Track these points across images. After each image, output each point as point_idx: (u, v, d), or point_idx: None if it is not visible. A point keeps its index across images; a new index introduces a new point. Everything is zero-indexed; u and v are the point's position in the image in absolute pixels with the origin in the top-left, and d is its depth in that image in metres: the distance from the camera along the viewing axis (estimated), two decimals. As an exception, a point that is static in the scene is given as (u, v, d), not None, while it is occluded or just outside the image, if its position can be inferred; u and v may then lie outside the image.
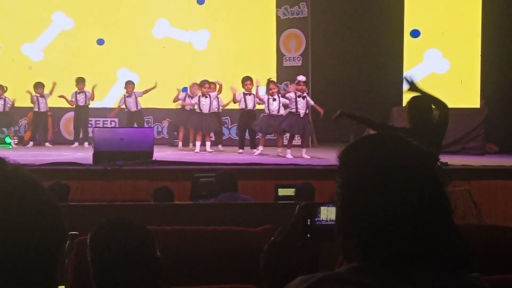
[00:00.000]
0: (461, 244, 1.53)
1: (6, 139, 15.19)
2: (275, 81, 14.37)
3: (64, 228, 1.51)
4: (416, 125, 7.12)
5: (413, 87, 7.17)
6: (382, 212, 1.49)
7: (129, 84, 15.34)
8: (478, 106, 14.07)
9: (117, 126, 15.88)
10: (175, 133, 15.83)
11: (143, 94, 15.46)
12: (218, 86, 14.44)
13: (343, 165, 1.58)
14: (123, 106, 15.27)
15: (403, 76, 7.44)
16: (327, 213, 1.91)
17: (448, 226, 1.52)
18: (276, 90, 13.42)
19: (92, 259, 2.63)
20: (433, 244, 1.50)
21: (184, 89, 15.09)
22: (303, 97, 12.87)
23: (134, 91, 15.32)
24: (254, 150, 13.37)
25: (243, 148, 13.77)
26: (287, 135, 13.31)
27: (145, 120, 15.95)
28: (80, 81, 15.40)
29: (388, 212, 1.48)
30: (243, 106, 13.91)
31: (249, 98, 13.86)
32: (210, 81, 14.44)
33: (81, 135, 15.45)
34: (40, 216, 1.44)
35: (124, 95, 15.28)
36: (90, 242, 2.66)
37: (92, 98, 15.55)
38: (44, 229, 1.44)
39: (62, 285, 3.25)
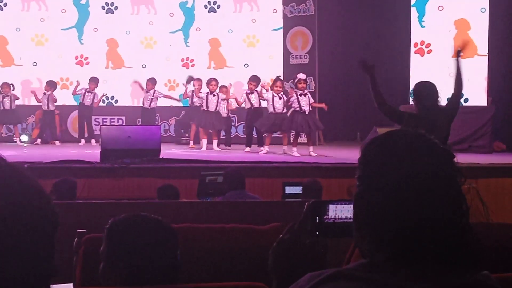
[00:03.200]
0: (472, 243, 1.53)
1: (21, 137, 15.16)
2: (283, 80, 14.38)
3: (54, 212, 1.51)
4: (421, 110, 7.15)
5: (458, 54, 7.25)
6: (396, 207, 1.50)
7: (148, 81, 15.39)
8: (485, 104, 14.04)
9: (124, 124, 15.93)
10: (182, 131, 15.85)
11: (163, 96, 15.53)
12: (229, 89, 14.46)
13: (363, 157, 1.59)
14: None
15: (462, 41, 7.48)
16: (335, 211, 1.91)
17: (462, 224, 1.53)
18: (281, 89, 13.43)
19: (106, 253, 2.61)
20: (445, 242, 1.50)
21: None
22: (305, 95, 12.87)
23: (155, 89, 15.37)
24: (261, 148, 13.36)
25: (250, 146, 13.77)
26: (293, 132, 13.30)
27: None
28: (93, 80, 15.45)
29: (402, 208, 1.49)
30: (248, 105, 13.91)
31: (253, 97, 13.85)
32: (221, 85, 14.51)
33: (86, 134, 15.48)
34: (25, 200, 1.45)
35: (145, 90, 15.35)
36: (108, 233, 2.64)
37: (96, 104, 15.59)
38: (32, 213, 1.45)
39: (70, 282, 3.25)
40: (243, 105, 14.18)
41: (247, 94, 13.95)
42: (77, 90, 15.46)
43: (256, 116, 13.76)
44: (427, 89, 7.20)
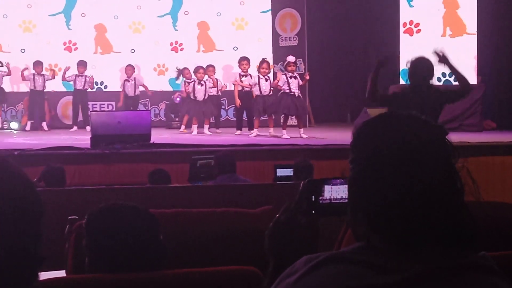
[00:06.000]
0: (468, 222, 1.53)
1: (11, 124, 15.23)
2: (269, 62, 14.33)
3: (38, 199, 1.50)
4: (412, 87, 7.08)
5: (443, 59, 7.14)
6: (390, 188, 1.49)
7: (128, 68, 15.31)
8: (475, 83, 14.05)
9: (114, 109, 15.86)
10: (172, 115, 15.80)
11: (142, 86, 15.43)
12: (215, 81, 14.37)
13: (356, 140, 1.59)
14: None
15: (433, 50, 7.31)
16: (331, 192, 1.91)
17: (457, 203, 1.53)
18: (268, 71, 13.40)
19: (88, 243, 2.61)
20: (442, 222, 1.50)
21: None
22: (294, 77, 12.85)
23: (135, 76, 15.29)
24: (251, 131, 13.35)
25: (241, 129, 13.76)
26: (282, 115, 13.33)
27: (142, 103, 15.96)
28: (81, 64, 15.34)
29: (397, 188, 1.49)
30: (239, 88, 13.87)
31: (245, 80, 13.82)
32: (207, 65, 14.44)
33: (81, 118, 15.32)
34: (8, 187, 1.44)
35: (124, 79, 15.26)
36: (88, 225, 2.64)
37: (91, 86, 15.51)
38: (16, 201, 1.43)
39: (63, 269, 3.25)
40: (233, 87, 14.10)
41: (241, 76, 13.90)
42: (66, 76, 15.38)
43: (247, 99, 13.72)
44: (420, 66, 7.08)
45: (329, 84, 16.59)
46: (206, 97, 13.90)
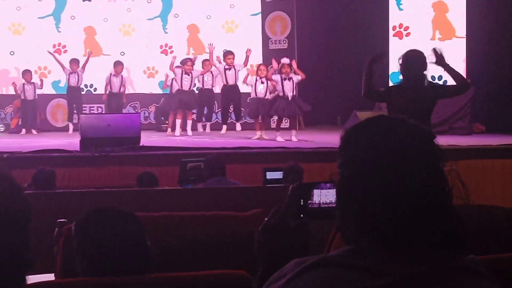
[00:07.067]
0: (458, 225, 1.53)
1: None
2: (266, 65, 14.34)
3: (26, 203, 1.49)
4: (405, 81, 7.02)
5: (440, 60, 7.08)
6: (379, 192, 1.49)
7: (119, 65, 15.23)
8: (464, 86, 14.08)
9: (103, 112, 15.80)
10: (162, 118, 15.77)
11: (123, 87, 15.38)
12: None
13: (344, 145, 1.59)
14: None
15: (432, 48, 7.23)
16: (320, 196, 1.91)
17: (445, 206, 1.53)
18: (265, 73, 13.38)
19: (77, 247, 2.62)
20: (430, 225, 1.50)
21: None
22: (289, 79, 12.83)
23: (122, 75, 15.26)
24: (254, 135, 13.29)
25: (226, 124, 13.80)
26: (274, 118, 13.34)
27: (132, 105, 15.93)
28: (74, 62, 15.27)
29: (385, 192, 1.49)
30: (224, 81, 13.91)
31: (230, 74, 13.84)
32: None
33: (76, 120, 15.15)
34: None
35: (111, 73, 15.16)
36: (76, 230, 2.64)
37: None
38: (3, 205, 1.43)
39: (52, 272, 3.24)
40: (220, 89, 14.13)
41: (225, 70, 13.91)
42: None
43: (233, 94, 13.83)
44: (412, 59, 6.99)
45: (319, 87, 16.59)
46: (191, 88, 13.93)
